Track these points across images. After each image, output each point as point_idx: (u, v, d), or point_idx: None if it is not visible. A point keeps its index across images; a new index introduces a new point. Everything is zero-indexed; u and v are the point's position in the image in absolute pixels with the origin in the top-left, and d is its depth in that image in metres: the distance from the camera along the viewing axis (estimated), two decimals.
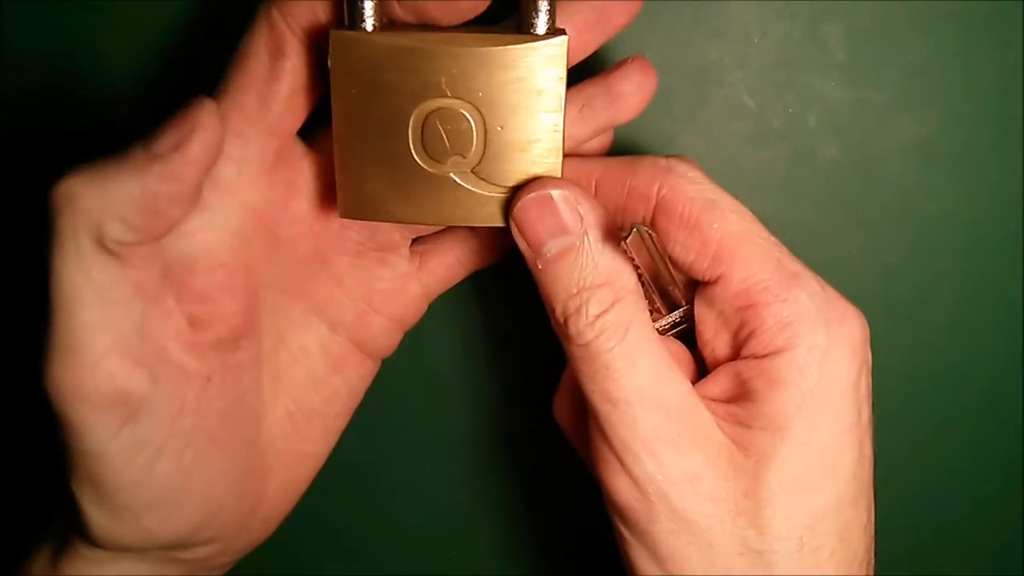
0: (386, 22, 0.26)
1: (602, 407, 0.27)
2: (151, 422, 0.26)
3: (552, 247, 0.27)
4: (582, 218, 0.27)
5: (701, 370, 0.30)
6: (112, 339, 0.24)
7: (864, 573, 0.28)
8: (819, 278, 0.28)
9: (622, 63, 0.28)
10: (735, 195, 0.36)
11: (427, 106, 0.27)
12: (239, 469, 0.29)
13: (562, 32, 0.26)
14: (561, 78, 0.26)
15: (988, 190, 0.36)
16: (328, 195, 0.29)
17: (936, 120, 0.35)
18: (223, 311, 0.28)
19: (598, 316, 0.26)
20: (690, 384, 0.28)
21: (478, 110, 0.27)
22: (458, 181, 0.28)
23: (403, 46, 0.26)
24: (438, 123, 0.27)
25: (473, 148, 0.27)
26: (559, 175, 0.28)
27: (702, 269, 0.28)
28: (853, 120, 0.35)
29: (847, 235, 0.36)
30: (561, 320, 0.27)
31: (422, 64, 0.26)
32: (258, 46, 0.27)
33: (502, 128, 0.27)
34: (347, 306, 0.31)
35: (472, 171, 0.27)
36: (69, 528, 0.29)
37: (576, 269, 0.27)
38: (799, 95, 0.35)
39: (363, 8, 0.26)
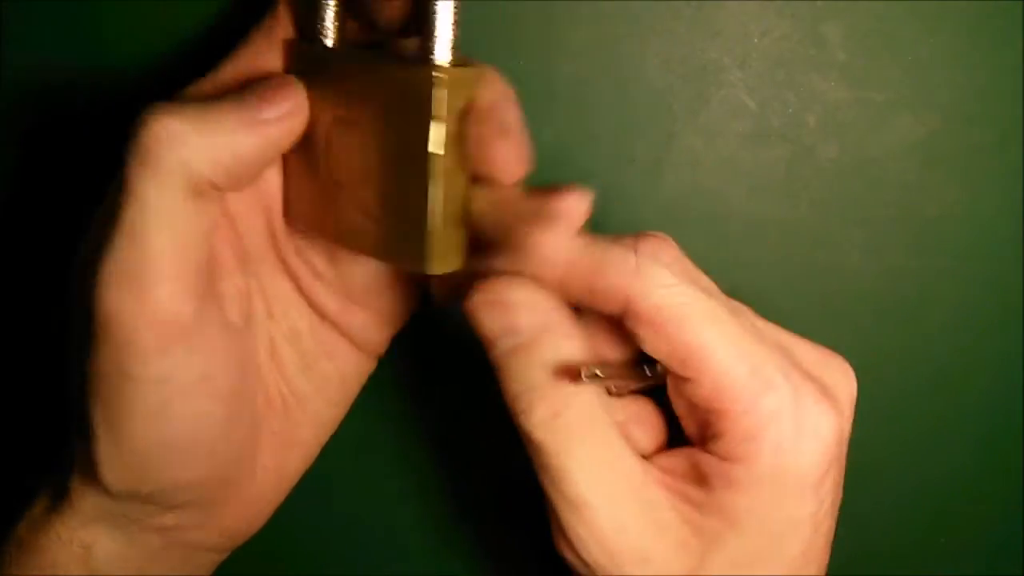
0: (346, 41, 0.27)
1: (555, 500, 0.27)
2: (183, 357, 0.26)
3: (504, 344, 0.26)
4: (537, 320, 0.26)
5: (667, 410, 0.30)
6: (176, 270, 0.25)
7: None
8: (796, 377, 0.27)
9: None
10: (735, 195, 0.36)
11: (330, 124, 0.27)
12: (240, 436, 0.29)
13: (462, 63, 0.25)
14: (452, 109, 0.25)
15: (988, 190, 0.36)
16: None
17: (936, 120, 0.35)
18: (228, 259, 0.29)
19: (549, 419, 0.26)
20: (644, 468, 0.27)
21: (373, 136, 0.26)
22: (362, 207, 0.27)
23: (327, 59, 0.26)
24: (338, 142, 0.27)
25: (369, 175, 0.27)
26: (439, 212, 0.26)
27: (673, 367, 0.27)
28: (853, 120, 0.35)
29: (847, 235, 0.36)
30: (512, 415, 0.27)
31: (336, 82, 0.26)
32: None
33: (393, 156, 0.26)
34: (329, 298, 0.31)
35: (368, 197, 0.27)
36: (68, 475, 0.29)
37: (526, 369, 0.26)
38: (799, 95, 0.35)
39: (323, 23, 0.26)
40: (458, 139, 0.26)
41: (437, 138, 0.25)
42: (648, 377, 0.28)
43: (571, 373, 0.26)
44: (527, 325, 0.26)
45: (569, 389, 0.26)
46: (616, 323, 0.28)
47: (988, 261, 0.36)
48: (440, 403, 0.38)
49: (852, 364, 0.37)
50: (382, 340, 0.33)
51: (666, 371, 0.28)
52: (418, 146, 0.25)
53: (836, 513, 0.28)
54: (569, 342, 0.27)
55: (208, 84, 0.29)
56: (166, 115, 0.25)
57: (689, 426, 0.28)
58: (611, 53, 0.35)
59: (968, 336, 0.37)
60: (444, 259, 0.27)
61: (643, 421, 0.29)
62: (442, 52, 0.25)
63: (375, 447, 0.39)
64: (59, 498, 0.29)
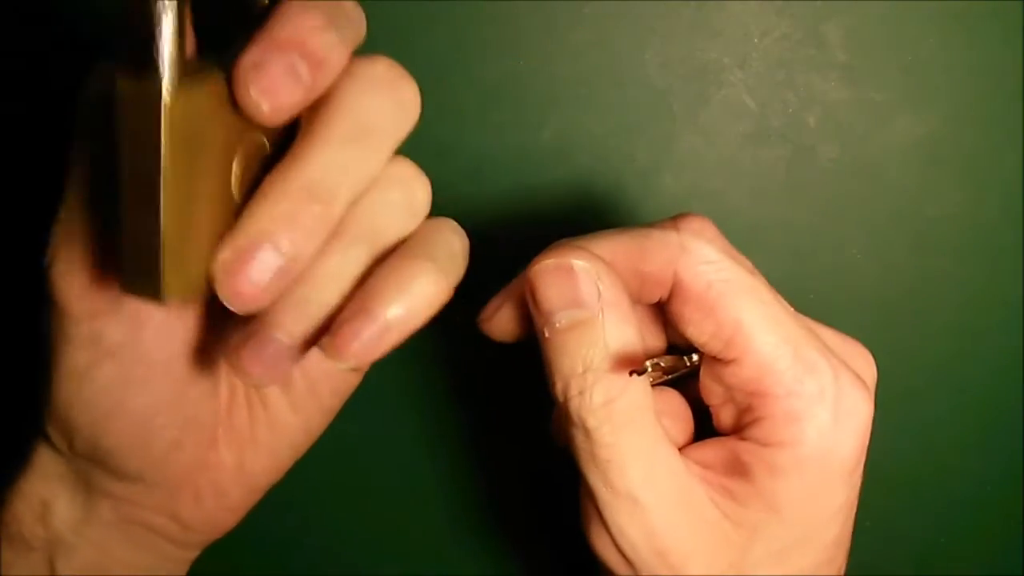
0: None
1: (601, 493, 0.26)
2: (113, 325, 0.26)
3: (563, 318, 0.26)
4: (600, 294, 0.26)
5: (694, 406, 0.29)
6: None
7: None
8: (834, 361, 0.27)
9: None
10: (735, 196, 0.36)
11: None
12: (182, 416, 0.28)
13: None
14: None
15: (988, 190, 0.36)
16: None
17: (936, 120, 0.35)
18: None
19: (603, 404, 0.25)
20: (684, 463, 0.27)
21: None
22: None
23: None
24: None
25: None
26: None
27: (715, 350, 0.27)
28: (853, 120, 0.35)
29: (847, 235, 0.36)
30: (561, 399, 0.26)
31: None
32: None
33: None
34: None
35: None
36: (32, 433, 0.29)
37: (585, 346, 0.25)
38: (799, 95, 0.35)
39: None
40: (184, 157, 0.22)
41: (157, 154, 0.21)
42: (686, 366, 0.28)
43: (633, 362, 0.26)
44: (592, 298, 0.26)
45: (624, 375, 0.26)
46: (649, 313, 0.28)
47: (988, 261, 0.36)
48: (444, 403, 0.39)
49: None
50: None
51: (701, 359, 0.28)
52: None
53: (857, 504, 0.28)
54: (628, 326, 0.26)
55: None
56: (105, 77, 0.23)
57: (723, 414, 0.28)
58: (611, 53, 0.35)
59: (968, 336, 0.37)
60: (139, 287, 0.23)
61: (672, 413, 0.29)
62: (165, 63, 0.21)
63: (379, 447, 0.39)
64: (25, 455, 0.29)
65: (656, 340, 0.29)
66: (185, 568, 0.32)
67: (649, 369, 0.26)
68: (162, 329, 0.27)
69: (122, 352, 0.26)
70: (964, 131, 0.35)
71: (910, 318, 0.37)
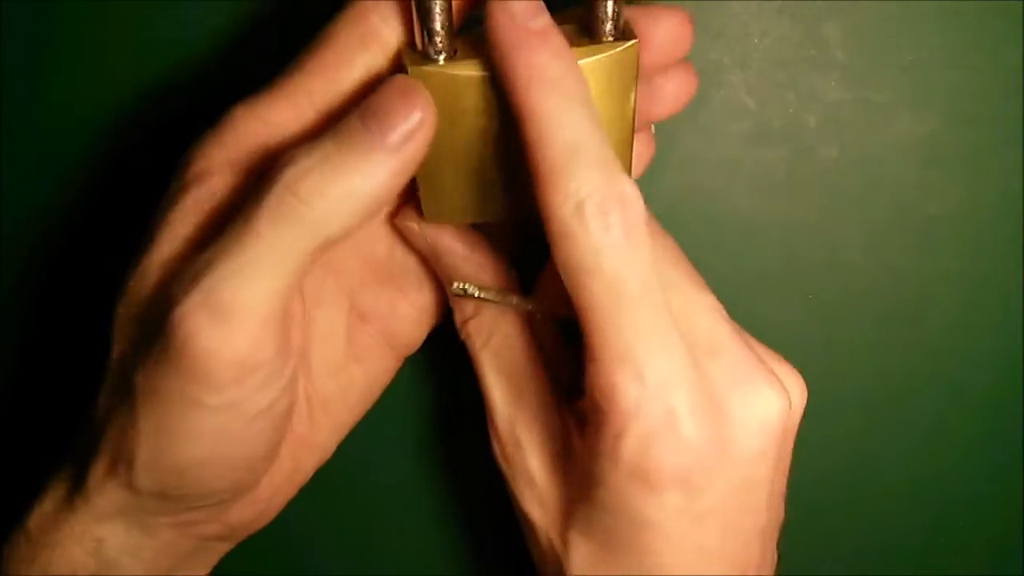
0: (455, 50, 0.26)
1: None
2: (254, 390, 0.26)
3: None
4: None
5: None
6: (272, 312, 0.25)
7: None
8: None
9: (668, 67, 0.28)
10: (735, 195, 0.36)
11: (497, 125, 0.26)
12: (277, 444, 0.29)
13: (632, 36, 0.26)
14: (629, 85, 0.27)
15: (988, 190, 0.36)
16: None
17: (936, 120, 0.35)
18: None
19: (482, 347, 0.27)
20: (556, 398, 0.29)
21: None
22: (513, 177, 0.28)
23: (477, 77, 0.25)
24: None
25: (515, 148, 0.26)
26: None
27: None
28: (853, 120, 0.35)
29: (847, 235, 0.36)
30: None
31: (495, 91, 0.25)
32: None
33: None
34: (380, 295, 0.31)
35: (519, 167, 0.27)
36: (86, 469, 0.28)
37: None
38: (799, 95, 0.35)
39: (436, 42, 0.25)
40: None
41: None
42: (511, 304, 0.30)
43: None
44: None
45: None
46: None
47: (988, 261, 0.36)
48: (443, 399, 0.39)
49: (851, 363, 0.38)
50: (419, 339, 0.33)
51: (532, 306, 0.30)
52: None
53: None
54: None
55: (289, 96, 0.26)
56: (299, 160, 0.24)
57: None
58: None
59: (968, 336, 0.37)
60: None
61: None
62: (617, 25, 0.26)
63: (378, 446, 0.39)
64: (74, 493, 0.28)
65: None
66: (217, 560, 0.32)
67: (467, 291, 0.29)
68: (291, 383, 0.27)
69: (258, 416, 0.26)
70: (964, 131, 0.35)
71: (910, 318, 0.37)
